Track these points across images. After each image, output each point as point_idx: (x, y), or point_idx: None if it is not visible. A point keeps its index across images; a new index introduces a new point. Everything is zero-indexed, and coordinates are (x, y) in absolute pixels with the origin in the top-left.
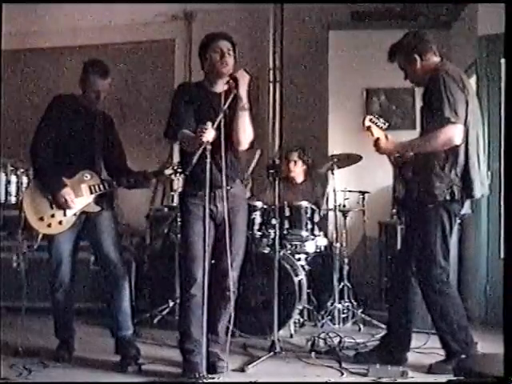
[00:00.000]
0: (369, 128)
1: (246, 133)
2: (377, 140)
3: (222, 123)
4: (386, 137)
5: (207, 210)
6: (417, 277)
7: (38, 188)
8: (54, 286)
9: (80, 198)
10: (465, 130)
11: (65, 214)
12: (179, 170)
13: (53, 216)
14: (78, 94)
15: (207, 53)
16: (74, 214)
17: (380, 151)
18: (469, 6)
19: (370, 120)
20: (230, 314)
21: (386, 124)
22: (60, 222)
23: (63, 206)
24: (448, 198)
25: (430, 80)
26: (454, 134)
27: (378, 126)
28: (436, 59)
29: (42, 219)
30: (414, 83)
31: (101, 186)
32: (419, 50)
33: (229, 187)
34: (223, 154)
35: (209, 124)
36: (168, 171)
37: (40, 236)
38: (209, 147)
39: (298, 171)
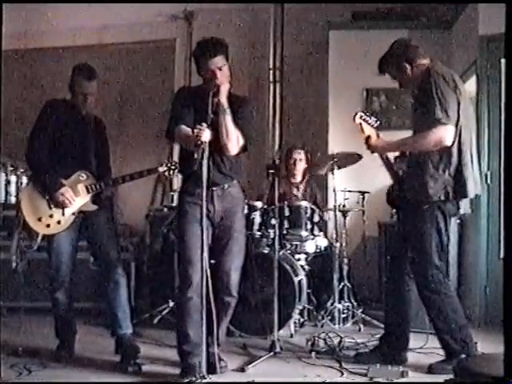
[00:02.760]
0: (360, 125)
1: (230, 137)
2: (367, 138)
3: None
4: (378, 135)
5: (204, 210)
6: (413, 277)
7: (36, 189)
8: (54, 286)
9: (77, 197)
10: (457, 130)
11: (63, 214)
12: (173, 168)
13: (51, 216)
14: (69, 98)
15: (200, 69)
16: (73, 214)
17: (370, 149)
18: (469, 6)
19: (361, 117)
20: (230, 316)
21: (378, 122)
22: (59, 222)
23: (63, 205)
24: (442, 198)
25: (422, 81)
26: (444, 134)
27: (368, 124)
28: (426, 61)
29: (40, 220)
30: (409, 88)
31: (97, 185)
32: (408, 57)
33: (226, 186)
34: (217, 154)
35: (204, 124)
36: (162, 168)
37: (40, 237)
38: (206, 147)
39: (300, 169)
